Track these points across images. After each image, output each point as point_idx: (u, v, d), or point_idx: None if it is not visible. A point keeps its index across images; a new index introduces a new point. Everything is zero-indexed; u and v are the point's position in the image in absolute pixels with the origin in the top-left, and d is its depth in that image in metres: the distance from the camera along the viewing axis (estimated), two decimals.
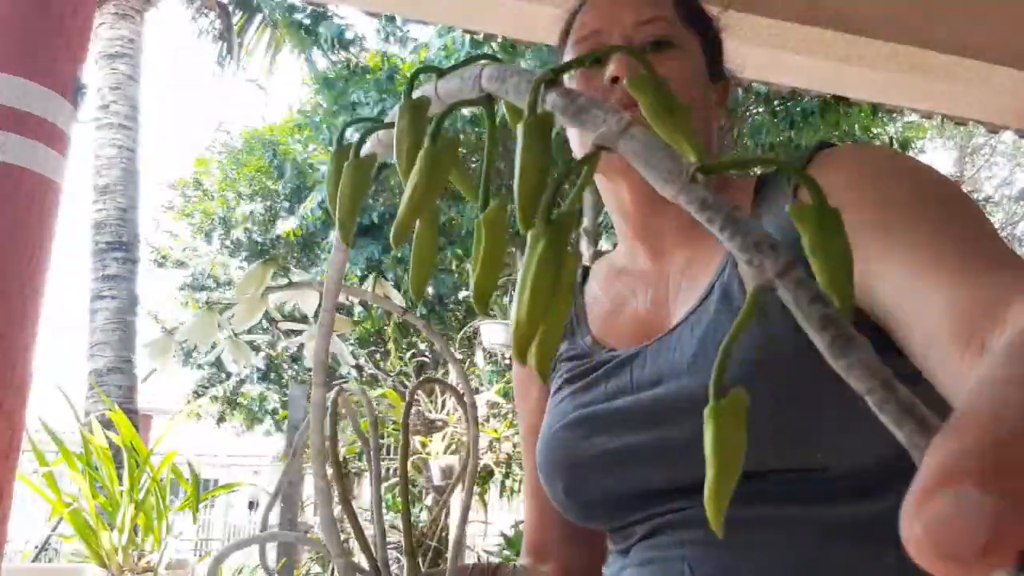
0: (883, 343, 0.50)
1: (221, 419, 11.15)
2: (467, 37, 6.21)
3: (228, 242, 10.74)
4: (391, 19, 6.40)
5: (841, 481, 0.55)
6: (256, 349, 11.07)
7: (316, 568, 5.36)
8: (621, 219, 0.72)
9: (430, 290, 7.16)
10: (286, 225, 8.03)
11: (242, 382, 10.80)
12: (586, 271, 0.81)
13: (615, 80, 0.65)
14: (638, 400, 0.63)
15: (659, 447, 0.61)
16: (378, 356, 7.48)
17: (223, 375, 11.11)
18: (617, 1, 0.69)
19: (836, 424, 0.55)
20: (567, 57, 0.72)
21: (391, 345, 6.47)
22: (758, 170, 0.69)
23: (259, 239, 10.61)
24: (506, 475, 5.49)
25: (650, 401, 0.62)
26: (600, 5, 0.71)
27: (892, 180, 0.56)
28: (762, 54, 1.80)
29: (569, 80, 0.70)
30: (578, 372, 0.70)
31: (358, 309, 8.06)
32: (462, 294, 7.59)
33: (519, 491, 5.64)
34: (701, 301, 0.62)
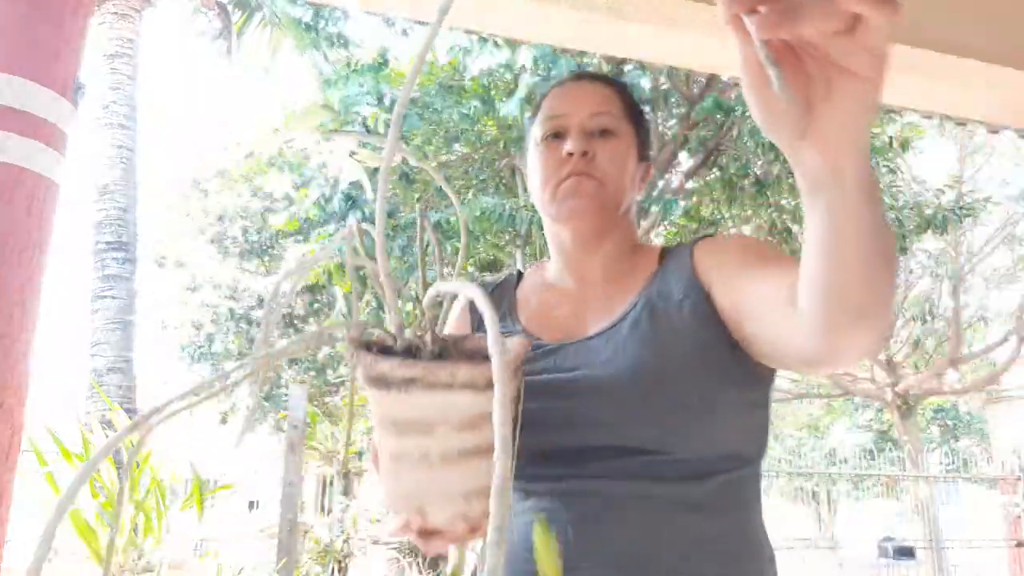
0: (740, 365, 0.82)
1: (224, 420, 11.15)
2: (474, 37, 6.20)
3: (227, 241, 10.74)
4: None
5: (683, 465, 0.79)
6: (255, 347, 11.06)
7: (316, 568, 5.36)
8: (558, 253, 0.97)
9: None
10: (278, 220, 7.99)
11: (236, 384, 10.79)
12: (520, 274, 1.04)
13: (570, 154, 0.91)
14: (557, 378, 0.84)
15: (566, 414, 0.81)
16: None
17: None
18: (578, 96, 0.95)
19: (699, 420, 0.80)
20: (536, 128, 0.96)
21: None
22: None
23: (256, 238, 10.62)
24: None
25: (567, 379, 0.83)
26: (565, 96, 0.96)
27: (748, 243, 0.88)
28: None
29: (535, 148, 0.95)
30: None
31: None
32: None
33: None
34: (616, 323, 0.86)
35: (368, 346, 0.57)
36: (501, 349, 0.35)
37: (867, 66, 0.47)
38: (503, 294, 1.00)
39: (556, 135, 0.93)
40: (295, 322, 10.82)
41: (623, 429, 0.79)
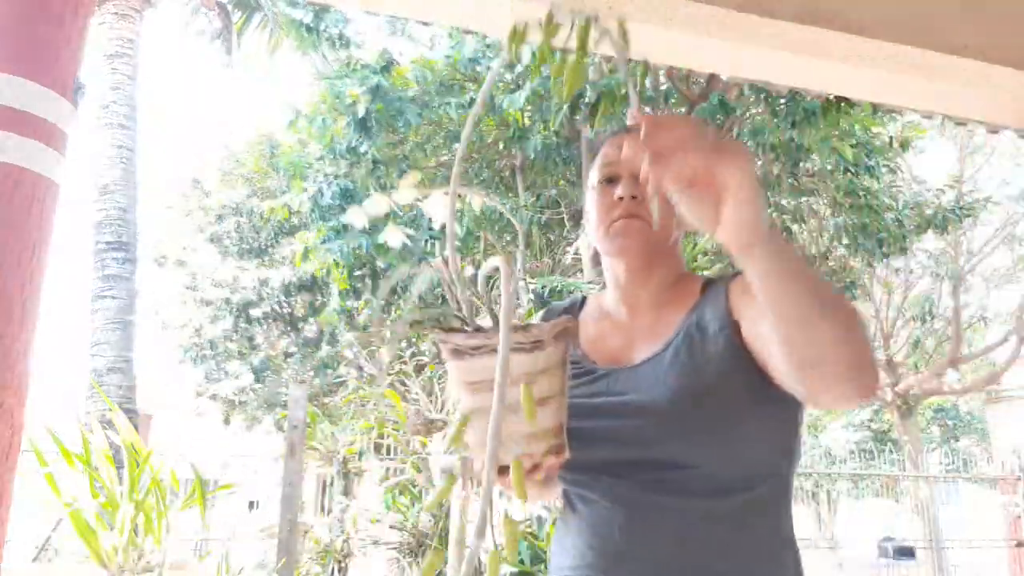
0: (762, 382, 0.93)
1: (227, 420, 11.13)
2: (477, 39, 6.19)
3: (226, 241, 10.74)
4: (393, 17, 6.38)
5: (711, 480, 0.92)
6: (255, 348, 11.07)
7: (316, 568, 5.36)
8: (614, 286, 1.10)
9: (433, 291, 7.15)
10: (273, 202, 7.90)
11: (238, 379, 10.78)
12: (584, 299, 1.18)
13: (621, 198, 1.03)
14: (608, 401, 0.98)
15: (615, 432, 0.96)
16: (377, 356, 7.47)
17: (221, 374, 11.10)
18: (629, 146, 1.08)
19: (726, 439, 0.92)
20: (593, 173, 1.10)
21: (384, 347, 6.45)
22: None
23: (253, 238, 10.61)
24: None
25: (617, 402, 0.97)
26: (618, 146, 1.06)
27: None
28: (762, 54, 1.80)
29: (591, 191, 1.09)
30: (572, 372, 0.97)
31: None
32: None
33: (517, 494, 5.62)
34: (660, 352, 0.99)
35: (447, 329, 0.76)
36: (509, 313, 0.55)
37: (735, 188, 0.69)
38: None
39: (610, 180, 1.06)
40: (296, 322, 10.82)
41: (661, 446, 0.93)
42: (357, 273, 7.08)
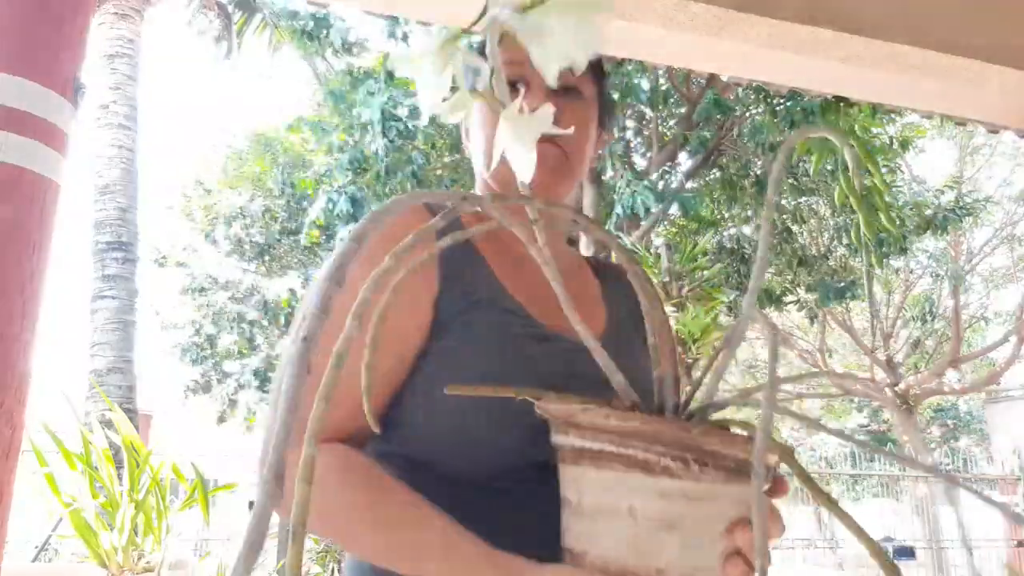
0: None
1: (221, 419, 11.13)
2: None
3: (227, 241, 10.74)
4: (394, 18, 6.37)
5: None
6: (255, 348, 11.06)
7: (316, 568, 5.36)
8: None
9: None
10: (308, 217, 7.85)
11: (240, 387, 10.77)
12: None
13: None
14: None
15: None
16: None
17: (220, 376, 11.09)
18: None
19: None
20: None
21: None
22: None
23: (257, 238, 10.61)
24: None
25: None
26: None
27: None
28: (762, 54, 1.80)
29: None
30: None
31: None
32: None
33: None
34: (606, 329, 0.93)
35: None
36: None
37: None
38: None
39: (513, 84, 0.96)
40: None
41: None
42: None
